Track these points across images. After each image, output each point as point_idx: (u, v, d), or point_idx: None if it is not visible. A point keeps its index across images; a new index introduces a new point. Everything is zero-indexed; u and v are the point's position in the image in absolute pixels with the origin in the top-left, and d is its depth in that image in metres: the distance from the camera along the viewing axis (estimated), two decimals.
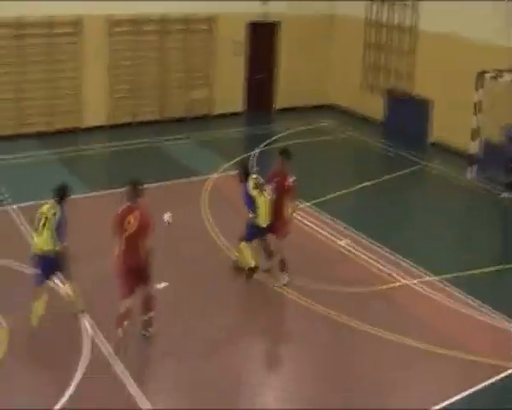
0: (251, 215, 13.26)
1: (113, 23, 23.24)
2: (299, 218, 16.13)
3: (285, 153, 13.71)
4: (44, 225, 11.39)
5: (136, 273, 10.96)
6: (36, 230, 11.58)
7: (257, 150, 21.36)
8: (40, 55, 22.49)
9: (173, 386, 10.61)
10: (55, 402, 9.81)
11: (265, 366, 11.47)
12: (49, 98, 22.81)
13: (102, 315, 11.91)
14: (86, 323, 11.77)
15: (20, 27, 21.85)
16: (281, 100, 26.89)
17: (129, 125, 23.79)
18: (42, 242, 11.41)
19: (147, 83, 24.35)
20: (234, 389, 10.52)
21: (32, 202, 16.42)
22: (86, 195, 17.53)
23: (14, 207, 16.56)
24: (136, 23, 23.60)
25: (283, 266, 13.59)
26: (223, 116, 25.35)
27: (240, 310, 13.22)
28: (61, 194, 11.67)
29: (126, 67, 23.89)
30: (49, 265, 11.52)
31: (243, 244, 13.47)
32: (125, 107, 24.02)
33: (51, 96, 22.81)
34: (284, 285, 13.46)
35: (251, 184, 13.18)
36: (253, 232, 13.39)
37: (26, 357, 11.06)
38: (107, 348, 11.13)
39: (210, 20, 24.93)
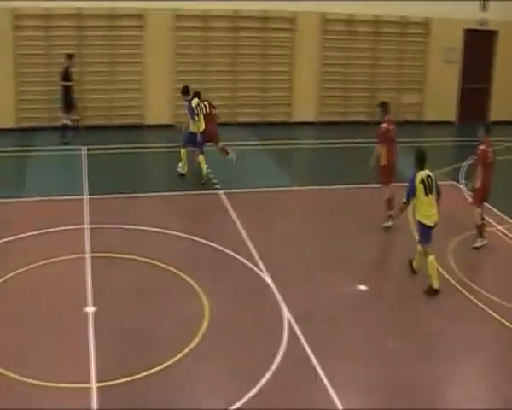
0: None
1: (326, 21, 23.41)
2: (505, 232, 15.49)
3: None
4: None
5: None
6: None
7: (466, 162, 20.59)
8: (253, 49, 23.22)
9: (366, 389, 10.37)
10: (246, 392, 9.86)
11: None
12: (261, 91, 23.38)
13: (302, 311, 12.00)
14: (289, 315, 11.84)
15: (234, 21, 22.83)
16: (495, 112, 25.84)
17: (337, 123, 23.78)
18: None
19: (357, 83, 24.24)
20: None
21: (238, 190, 17.06)
22: (289, 188, 17.84)
23: (223, 192, 17.08)
24: (350, 23, 23.60)
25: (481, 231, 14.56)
26: (433, 124, 24.76)
27: None
28: None
29: (337, 67, 23.94)
30: None
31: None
32: (334, 106, 24.04)
33: (263, 89, 23.36)
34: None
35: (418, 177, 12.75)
36: (427, 233, 12.89)
37: (224, 340, 11.22)
38: (304, 345, 11.11)
39: (425, 24, 24.43)
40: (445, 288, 12.87)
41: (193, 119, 17.56)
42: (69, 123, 21.04)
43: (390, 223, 15.25)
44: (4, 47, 21.33)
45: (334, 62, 23.86)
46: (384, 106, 15.63)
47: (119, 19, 22.17)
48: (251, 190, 17.48)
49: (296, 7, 22.83)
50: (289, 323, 11.57)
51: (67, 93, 20.89)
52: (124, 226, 14.72)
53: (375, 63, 24.25)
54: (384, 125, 15.38)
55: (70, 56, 20.90)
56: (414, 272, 13.29)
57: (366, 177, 16.60)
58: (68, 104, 20.98)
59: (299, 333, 11.29)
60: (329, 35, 23.67)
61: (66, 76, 20.79)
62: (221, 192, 17.14)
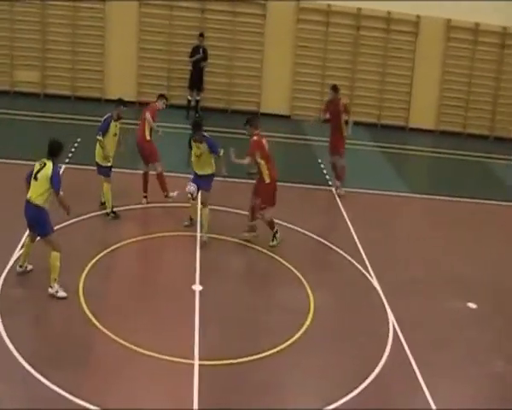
0: None
1: (450, 28, 22.83)
2: None
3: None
4: None
5: None
6: None
7: None
8: (374, 49, 22.90)
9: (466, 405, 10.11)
10: (345, 393, 9.76)
11: None
12: (379, 93, 23.17)
13: (408, 319, 11.81)
14: (394, 321, 11.67)
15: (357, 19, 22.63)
16: None
17: (456, 134, 23.25)
18: None
19: (479, 95, 23.58)
20: None
21: (351, 189, 16.92)
22: (405, 194, 17.57)
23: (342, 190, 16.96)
24: (475, 32, 22.98)
25: None
26: None
27: None
28: None
29: (460, 76, 23.32)
30: None
31: None
32: (454, 116, 23.50)
33: (380, 90, 23.13)
34: None
35: None
36: None
37: (327, 337, 11.15)
38: (407, 353, 10.92)
39: None
40: None
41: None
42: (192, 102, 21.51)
43: None
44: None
45: (457, 71, 23.27)
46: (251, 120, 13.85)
47: None
48: (365, 191, 17.29)
49: (421, 10, 22.42)
50: (394, 329, 11.42)
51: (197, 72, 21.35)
52: (236, 211, 14.79)
53: (499, 77, 23.47)
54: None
55: (201, 35, 21.23)
56: None
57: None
58: (194, 84, 21.40)
59: (403, 340, 11.14)
60: (453, 42, 23.11)
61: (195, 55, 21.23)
62: (333, 189, 17.00)
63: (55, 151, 11.31)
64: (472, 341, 11.55)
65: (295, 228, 14.51)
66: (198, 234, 13.55)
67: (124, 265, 12.65)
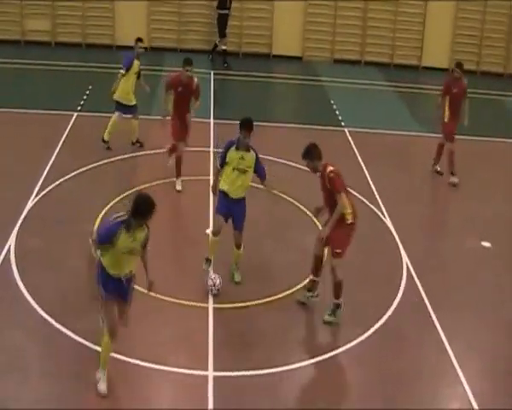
0: None
1: None
2: None
3: None
4: None
5: None
6: None
7: None
8: None
9: (477, 342, 10.15)
10: (362, 332, 9.86)
11: None
12: (391, 32, 22.87)
13: (421, 259, 11.83)
14: (408, 261, 11.71)
15: None
16: None
17: (472, 72, 22.88)
18: None
19: (493, 32, 23.10)
20: None
21: (365, 130, 16.84)
22: (418, 134, 17.43)
23: (347, 130, 16.93)
24: None
25: None
26: None
27: None
28: None
29: (475, 13, 22.93)
30: None
31: None
32: (468, 54, 23.12)
33: (394, 29, 22.83)
34: None
35: None
36: None
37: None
38: (421, 292, 10.96)
39: None
40: None
41: None
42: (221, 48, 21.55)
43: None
44: None
45: (470, 8, 22.84)
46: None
47: None
48: (377, 130, 17.21)
49: None
50: (408, 269, 11.45)
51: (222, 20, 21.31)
52: None
53: None
54: None
55: None
56: None
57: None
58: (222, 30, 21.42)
59: (416, 280, 11.17)
60: None
61: (223, 3, 21.23)
62: (346, 130, 16.96)
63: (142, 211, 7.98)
64: (487, 282, 11.51)
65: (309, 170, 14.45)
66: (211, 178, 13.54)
67: None
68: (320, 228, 10.70)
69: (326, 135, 16.60)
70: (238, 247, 10.68)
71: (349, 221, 9.74)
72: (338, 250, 9.71)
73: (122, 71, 14.37)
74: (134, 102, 14.76)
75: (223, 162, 10.35)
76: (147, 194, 8.09)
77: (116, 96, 14.55)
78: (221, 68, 20.99)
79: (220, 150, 10.71)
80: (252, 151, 10.33)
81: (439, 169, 14.93)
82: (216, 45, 21.64)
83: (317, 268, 10.21)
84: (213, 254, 10.75)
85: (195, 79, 12.99)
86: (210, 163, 14.11)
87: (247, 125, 10.22)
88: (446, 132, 14.67)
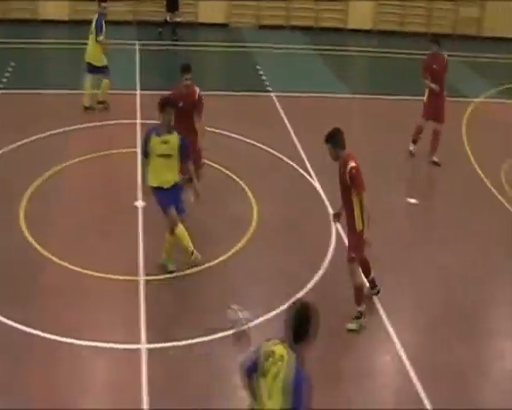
0: None
1: None
2: None
3: None
4: None
5: None
6: None
7: None
8: None
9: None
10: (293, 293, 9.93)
11: None
12: None
13: None
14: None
15: None
16: None
17: (394, 33, 23.18)
18: None
19: None
20: None
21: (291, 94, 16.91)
22: (342, 95, 17.62)
23: (274, 94, 17.02)
24: None
25: None
26: None
27: None
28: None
29: None
30: None
31: None
32: (391, 15, 23.37)
33: None
34: None
35: None
36: None
37: (272, 241, 11.32)
38: None
39: None
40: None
41: None
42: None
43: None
44: None
45: None
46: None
47: None
48: (303, 94, 17.31)
49: None
50: (337, 228, 11.58)
51: None
52: None
53: None
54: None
55: None
56: None
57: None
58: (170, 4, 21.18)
59: (345, 238, 11.30)
60: None
61: None
62: (272, 94, 17.02)
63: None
64: (411, 232, 11.88)
65: (237, 136, 14.51)
66: (138, 149, 13.46)
67: (68, 185, 12.56)
68: None
69: (253, 100, 16.67)
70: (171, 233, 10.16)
71: (358, 228, 9.23)
72: (352, 255, 9.38)
73: (100, 38, 14.87)
74: (105, 63, 15.14)
75: (145, 152, 9.91)
76: None
77: (88, 58, 15.09)
78: (152, 39, 20.76)
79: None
80: (174, 133, 9.88)
81: (436, 160, 14.32)
82: (166, 21, 21.33)
83: (366, 269, 9.87)
84: (189, 242, 10.13)
85: (197, 89, 11.46)
86: (137, 136, 14.01)
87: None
88: (435, 113, 13.88)
